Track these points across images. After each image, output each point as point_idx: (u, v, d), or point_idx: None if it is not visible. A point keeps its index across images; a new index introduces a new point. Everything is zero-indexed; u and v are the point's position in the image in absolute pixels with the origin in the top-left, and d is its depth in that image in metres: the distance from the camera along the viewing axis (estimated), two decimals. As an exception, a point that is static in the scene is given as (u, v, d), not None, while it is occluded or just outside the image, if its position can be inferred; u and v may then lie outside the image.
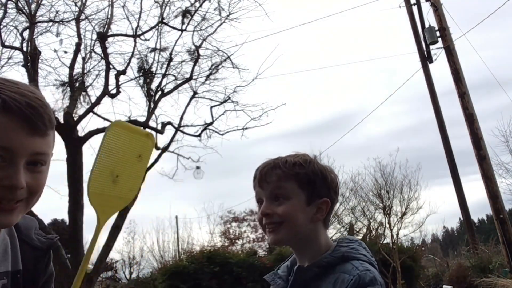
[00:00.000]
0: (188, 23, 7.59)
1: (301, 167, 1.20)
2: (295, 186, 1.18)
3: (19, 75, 7.25)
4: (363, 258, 1.14)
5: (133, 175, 1.05)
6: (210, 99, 8.38)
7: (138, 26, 7.46)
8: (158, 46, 7.86)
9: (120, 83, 7.43)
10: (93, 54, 7.75)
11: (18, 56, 7.20)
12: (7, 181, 0.83)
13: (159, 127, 8.25)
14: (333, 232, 13.63)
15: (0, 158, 0.82)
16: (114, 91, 7.41)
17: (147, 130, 0.95)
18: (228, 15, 7.49)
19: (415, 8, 12.35)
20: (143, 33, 7.62)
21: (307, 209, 1.19)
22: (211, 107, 8.32)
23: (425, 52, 11.98)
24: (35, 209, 6.57)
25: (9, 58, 7.23)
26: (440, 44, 10.93)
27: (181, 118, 8.23)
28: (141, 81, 8.22)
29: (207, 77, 8.19)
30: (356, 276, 1.06)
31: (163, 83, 8.16)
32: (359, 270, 1.08)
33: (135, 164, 1.04)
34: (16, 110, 0.81)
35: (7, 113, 0.81)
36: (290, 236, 1.19)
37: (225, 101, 8.25)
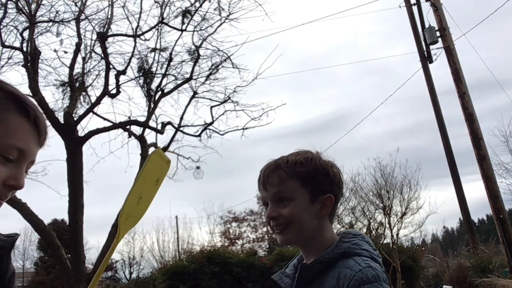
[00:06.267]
0: (188, 23, 7.59)
1: (303, 166, 1.20)
2: (298, 185, 1.19)
3: (19, 75, 7.26)
4: (365, 254, 1.14)
5: (149, 197, 1.15)
6: (210, 99, 8.39)
7: (138, 26, 7.46)
8: (158, 46, 7.86)
9: (120, 83, 7.43)
10: (93, 54, 7.75)
11: (18, 56, 7.21)
12: (13, 181, 0.87)
13: (159, 127, 8.26)
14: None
15: (12, 158, 0.87)
16: (114, 91, 7.41)
17: (167, 156, 1.09)
18: (228, 15, 7.49)
19: (415, 8, 12.35)
20: (143, 33, 7.62)
21: (312, 207, 1.19)
22: (211, 107, 8.33)
23: (425, 52, 11.98)
24: (35, 209, 6.58)
25: (9, 58, 7.23)
26: (440, 44, 10.94)
27: (181, 118, 8.24)
28: (141, 81, 8.22)
29: (207, 77, 8.19)
30: (359, 273, 1.06)
31: (163, 83, 8.17)
32: (361, 266, 1.08)
33: (153, 187, 1.14)
34: (39, 122, 0.91)
35: (32, 122, 0.90)
36: (297, 236, 1.21)
37: (225, 101, 8.25)
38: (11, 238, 1.04)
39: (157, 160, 1.12)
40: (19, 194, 6.59)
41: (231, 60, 7.88)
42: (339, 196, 1.26)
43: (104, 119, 7.66)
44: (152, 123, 8.08)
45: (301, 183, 1.19)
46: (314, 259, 1.18)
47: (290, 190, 1.19)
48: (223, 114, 8.30)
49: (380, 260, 1.17)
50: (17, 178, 0.87)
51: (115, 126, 7.59)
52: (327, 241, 1.21)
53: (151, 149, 8.14)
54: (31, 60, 6.90)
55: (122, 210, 1.05)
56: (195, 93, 8.30)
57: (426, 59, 12.07)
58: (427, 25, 11.39)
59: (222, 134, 8.29)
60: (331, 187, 1.22)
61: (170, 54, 7.81)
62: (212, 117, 8.29)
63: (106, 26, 7.37)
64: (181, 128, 8.26)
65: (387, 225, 10.06)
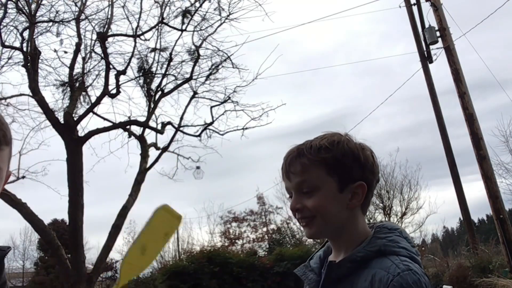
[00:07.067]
0: (188, 23, 7.59)
1: (328, 151, 1.08)
2: (323, 173, 1.07)
3: (19, 75, 7.27)
4: (402, 253, 1.02)
5: (156, 250, 1.16)
6: (210, 99, 8.40)
7: (138, 26, 7.46)
8: (158, 46, 7.87)
9: (120, 83, 7.44)
10: (93, 54, 7.75)
11: (18, 56, 7.21)
12: None
13: (159, 127, 8.26)
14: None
15: None
16: (114, 91, 7.42)
17: (179, 213, 1.16)
18: (228, 15, 7.49)
19: (415, 8, 12.33)
20: (143, 33, 7.63)
21: (341, 197, 1.07)
22: (211, 107, 8.33)
23: (425, 52, 11.98)
24: (35, 209, 6.57)
25: (9, 58, 7.23)
26: (440, 44, 10.94)
27: (181, 118, 8.25)
28: (141, 81, 8.22)
29: (207, 77, 8.20)
30: (397, 277, 0.93)
31: (163, 83, 8.18)
32: (400, 269, 0.95)
33: (161, 240, 1.15)
34: None
35: None
36: (324, 229, 1.10)
37: (225, 101, 8.26)
38: (2, 252, 1.00)
39: (165, 216, 1.12)
40: (19, 194, 6.59)
41: (231, 60, 7.89)
42: (373, 183, 1.12)
43: (104, 119, 7.67)
44: (152, 123, 8.09)
45: (326, 170, 1.07)
46: (344, 257, 1.07)
47: (314, 179, 1.07)
48: (223, 114, 8.31)
49: (419, 259, 1.05)
50: None
51: (115, 126, 7.59)
52: (359, 235, 1.09)
53: (151, 149, 8.14)
54: (31, 60, 6.90)
55: (125, 260, 1.04)
56: (195, 93, 8.31)
57: (426, 59, 12.06)
58: (427, 25, 11.39)
59: (222, 134, 8.29)
60: (362, 174, 1.09)
61: (170, 54, 7.82)
62: (212, 117, 8.30)
63: (106, 26, 7.37)
64: (181, 128, 8.26)
65: (387, 225, 10.06)
